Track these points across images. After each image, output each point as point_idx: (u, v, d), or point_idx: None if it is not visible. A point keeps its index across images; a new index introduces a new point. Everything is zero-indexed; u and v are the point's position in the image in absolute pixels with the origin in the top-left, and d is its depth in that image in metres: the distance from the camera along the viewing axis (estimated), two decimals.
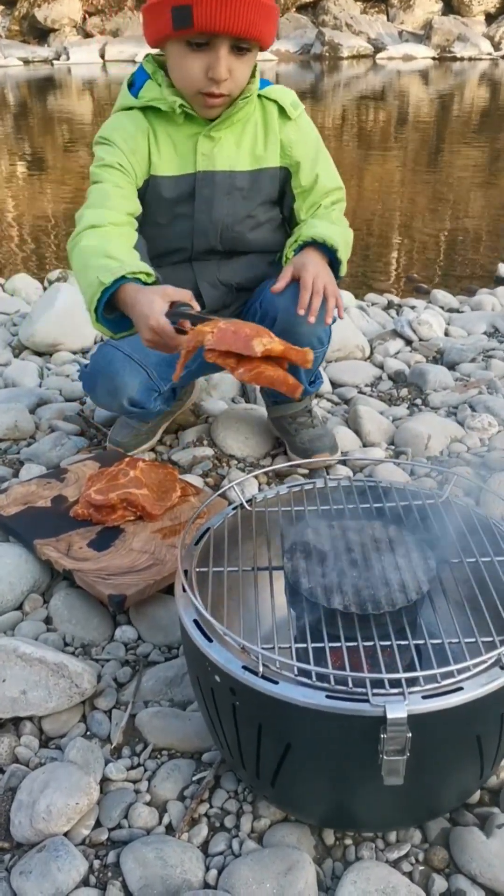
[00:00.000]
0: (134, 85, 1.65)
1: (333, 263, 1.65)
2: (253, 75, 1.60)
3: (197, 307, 1.37)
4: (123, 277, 1.40)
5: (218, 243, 1.73)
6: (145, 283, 1.42)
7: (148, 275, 1.43)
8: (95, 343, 2.66)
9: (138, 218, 1.64)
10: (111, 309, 1.45)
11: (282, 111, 1.68)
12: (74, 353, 2.57)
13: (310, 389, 1.87)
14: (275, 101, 1.68)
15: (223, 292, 1.79)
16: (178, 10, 1.43)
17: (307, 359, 1.29)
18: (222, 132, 1.64)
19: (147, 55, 1.65)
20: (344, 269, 1.69)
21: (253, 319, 1.73)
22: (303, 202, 1.74)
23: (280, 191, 1.75)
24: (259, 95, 1.66)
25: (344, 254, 1.66)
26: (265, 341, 1.19)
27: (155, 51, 1.62)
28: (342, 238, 1.66)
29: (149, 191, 1.66)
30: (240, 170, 1.68)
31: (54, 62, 14.37)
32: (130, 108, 1.63)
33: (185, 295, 1.37)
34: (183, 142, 1.63)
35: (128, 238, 1.56)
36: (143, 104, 1.61)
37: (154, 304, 1.34)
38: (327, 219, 1.71)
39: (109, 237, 1.51)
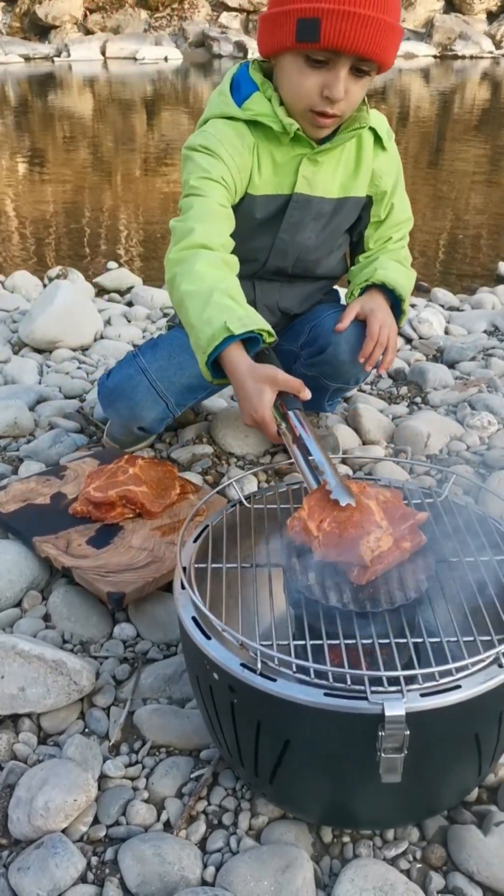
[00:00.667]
0: (237, 92, 1.54)
1: (395, 308, 1.66)
2: (364, 101, 1.53)
3: (306, 396, 1.29)
4: (242, 335, 1.30)
5: (290, 266, 1.71)
6: (264, 341, 1.35)
7: (270, 334, 1.35)
8: (95, 341, 2.66)
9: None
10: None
11: (377, 140, 1.63)
12: (74, 350, 2.57)
13: (327, 409, 1.88)
14: (372, 130, 1.62)
15: (278, 318, 1.79)
16: (304, 22, 1.34)
17: (421, 535, 1.14)
18: (326, 156, 1.57)
19: (253, 61, 1.56)
20: (404, 320, 1.69)
21: (297, 341, 1.73)
22: (374, 231, 1.72)
23: (357, 216, 1.72)
24: None
25: (408, 304, 1.67)
26: (373, 544, 1.05)
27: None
28: (409, 285, 1.66)
29: (241, 207, 1.58)
30: (332, 196, 1.64)
31: (55, 59, 14.35)
32: (232, 118, 1.52)
33: (294, 386, 1.28)
34: (285, 162, 1.56)
35: (236, 272, 1.44)
36: (251, 118, 1.51)
37: (264, 395, 1.28)
38: (396, 258, 1.70)
39: (228, 272, 1.41)
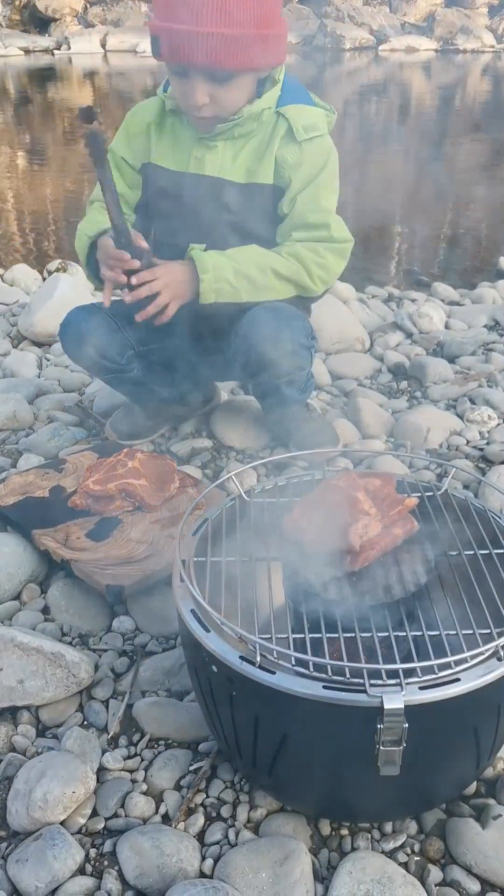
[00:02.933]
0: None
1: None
2: (261, 96, 1.57)
3: (144, 245, 1.57)
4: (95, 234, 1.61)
5: (201, 240, 1.69)
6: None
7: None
8: None
9: (140, 203, 1.75)
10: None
11: (290, 131, 1.62)
12: None
13: (301, 398, 1.87)
14: (287, 120, 1.61)
15: None
16: (153, 38, 1.47)
17: (412, 521, 1.16)
18: (218, 142, 1.63)
19: None
20: (205, 296, 1.61)
21: (230, 346, 1.72)
22: (284, 224, 1.67)
23: (272, 208, 1.69)
24: (279, 112, 1.61)
25: (206, 282, 1.59)
26: (361, 530, 1.08)
27: None
28: (228, 269, 1.60)
29: (148, 176, 1.72)
30: (231, 179, 1.65)
31: (55, 52, 14.30)
32: (156, 95, 1.68)
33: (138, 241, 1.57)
34: (184, 140, 1.67)
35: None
36: (164, 97, 1.66)
37: (107, 237, 1.58)
38: (258, 250, 1.65)
39: (97, 212, 1.69)
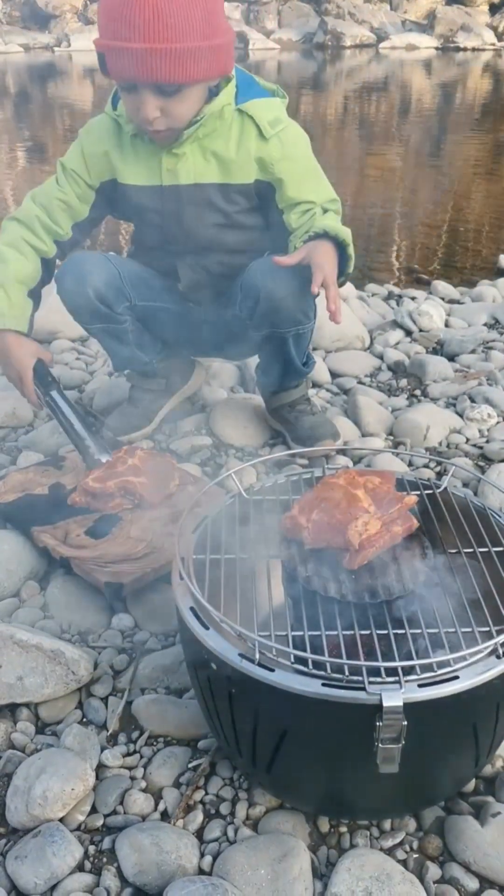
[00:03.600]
0: (117, 93, 1.65)
1: (341, 260, 1.60)
2: (219, 94, 1.57)
3: (50, 363, 1.71)
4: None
5: (191, 246, 1.75)
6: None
7: (22, 331, 1.68)
8: None
9: (87, 222, 1.75)
10: None
11: (259, 130, 1.63)
12: (73, 341, 2.56)
13: (304, 370, 1.86)
14: (252, 118, 1.63)
15: (200, 275, 1.81)
16: (99, 55, 1.46)
17: (412, 519, 1.17)
18: (185, 148, 1.63)
19: None
20: (352, 265, 1.64)
21: (235, 304, 1.75)
22: (290, 214, 1.68)
23: (262, 200, 1.72)
24: (240, 109, 1.62)
25: (352, 248, 1.62)
26: (360, 528, 1.08)
27: None
28: (349, 234, 1.62)
29: (118, 193, 1.72)
30: (208, 181, 1.67)
31: (55, 49, 14.27)
32: (107, 114, 1.68)
33: (46, 356, 1.69)
34: (150, 155, 1.66)
35: (30, 260, 1.70)
36: (115, 116, 1.66)
37: (24, 359, 1.67)
38: (332, 219, 1.68)
39: (9, 268, 1.67)
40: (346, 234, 1.59)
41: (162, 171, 1.66)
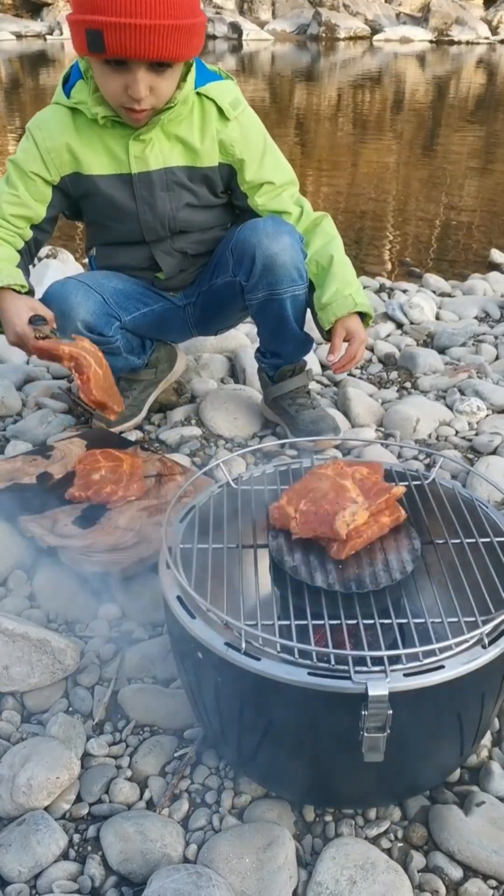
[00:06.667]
0: (69, 80, 1.64)
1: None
2: (185, 79, 1.59)
3: (52, 324, 1.58)
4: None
5: (167, 232, 1.75)
6: (18, 292, 1.59)
7: (22, 286, 1.59)
8: None
9: (46, 222, 1.71)
10: None
11: (220, 112, 1.66)
12: None
13: (303, 336, 1.86)
14: (213, 101, 1.65)
15: (179, 259, 1.82)
16: (91, 33, 1.43)
17: (400, 509, 1.17)
18: (152, 133, 1.63)
19: None
20: (370, 321, 1.75)
21: (227, 269, 1.76)
22: (254, 195, 1.73)
23: (225, 184, 1.75)
24: (198, 93, 1.64)
25: (372, 318, 1.75)
26: (348, 518, 1.08)
27: None
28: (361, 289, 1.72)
29: (82, 187, 1.68)
30: (175, 165, 1.68)
31: (47, 37, 14.18)
32: (59, 104, 1.64)
33: (49, 313, 1.58)
34: (114, 143, 1.64)
35: (10, 243, 1.66)
36: (71, 105, 1.62)
37: (21, 314, 1.54)
38: (343, 258, 1.72)
39: None
40: (371, 307, 1.71)
41: (130, 158, 1.64)
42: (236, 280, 1.75)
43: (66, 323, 1.74)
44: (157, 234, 1.75)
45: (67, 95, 1.63)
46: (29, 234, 1.70)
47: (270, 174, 1.72)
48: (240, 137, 1.69)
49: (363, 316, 1.71)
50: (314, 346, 1.93)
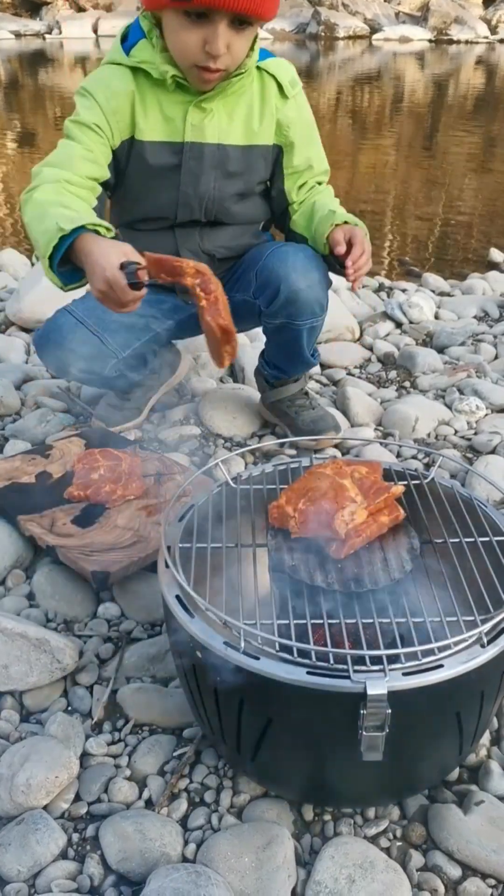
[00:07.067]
0: (127, 39, 1.57)
1: None
2: (252, 48, 1.54)
3: (146, 275, 1.34)
4: (83, 227, 1.34)
5: (202, 215, 1.70)
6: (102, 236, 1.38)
7: (107, 229, 1.39)
8: None
9: (109, 182, 1.61)
10: (63, 262, 1.39)
11: (280, 89, 1.63)
12: None
13: (312, 362, 1.86)
14: (273, 77, 1.62)
15: (205, 261, 1.75)
16: None
17: (399, 509, 1.17)
18: (214, 104, 1.58)
19: (145, 9, 1.55)
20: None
21: (248, 289, 1.72)
22: (293, 183, 1.71)
23: (271, 167, 1.71)
24: (258, 68, 1.60)
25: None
26: (347, 517, 1.08)
27: None
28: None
29: (132, 154, 1.61)
30: (231, 143, 1.63)
31: (46, 36, 14.17)
32: (118, 64, 1.56)
33: (139, 257, 1.33)
34: (172, 108, 1.57)
35: (85, 199, 1.51)
36: (134, 64, 1.54)
37: (110, 256, 1.30)
38: (332, 201, 1.69)
39: (65, 193, 1.48)
40: (361, 224, 1.64)
41: (186, 126, 1.57)
42: (255, 302, 1.72)
43: (62, 367, 1.72)
44: (191, 215, 1.68)
45: (127, 55, 1.55)
46: (95, 201, 1.56)
47: (315, 161, 1.69)
48: (296, 118, 1.65)
49: None
50: (319, 357, 1.91)
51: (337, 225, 1.60)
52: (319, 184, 1.74)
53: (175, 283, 1.31)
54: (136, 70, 1.55)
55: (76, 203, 1.45)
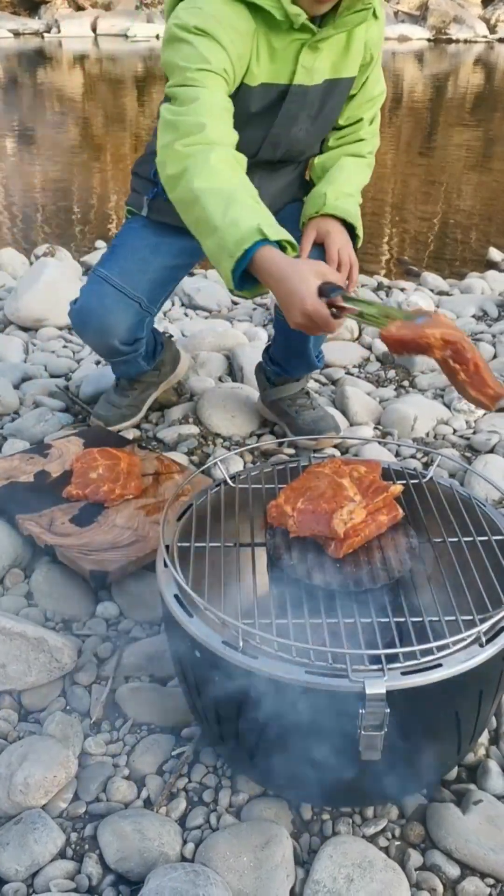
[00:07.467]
0: None
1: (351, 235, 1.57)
2: None
3: (350, 290, 1.20)
4: (267, 239, 1.18)
5: (278, 157, 1.58)
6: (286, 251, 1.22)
7: (293, 247, 1.24)
8: None
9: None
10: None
11: (374, 10, 1.45)
12: (60, 329, 2.54)
13: (318, 364, 1.85)
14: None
15: None
16: None
17: (397, 508, 1.15)
18: (328, 42, 1.41)
19: None
20: (360, 244, 1.59)
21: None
22: (345, 107, 1.59)
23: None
24: None
25: (361, 230, 1.58)
26: (345, 517, 1.07)
27: None
28: (356, 209, 1.57)
29: (236, 99, 1.40)
30: (327, 79, 1.49)
31: (45, 35, 14.15)
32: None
33: (339, 278, 1.19)
34: (284, 48, 1.39)
35: (252, 187, 1.29)
36: (253, 0, 1.33)
37: (309, 282, 1.15)
38: (354, 170, 1.60)
39: (242, 170, 1.29)
40: (352, 214, 1.54)
41: (298, 68, 1.41)
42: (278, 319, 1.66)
43: (104, 339, 1.68)
44: (271, 155, 1.55)
45: None
46: None
47: (370, 81, 1.57)
48: (378, 37, 1.52)
49: (351, 232, 1.55)
50: (323, 359, 1.91)
51: (321, 215, 1.51)
52: (372, 120, 1.63)
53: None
54: (255, 7, 1.34)
55: (253, 190, 1.27)
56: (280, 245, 1.20)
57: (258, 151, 1.53)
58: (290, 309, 1.18)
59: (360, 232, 1.59)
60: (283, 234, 1.20)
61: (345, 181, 1.59)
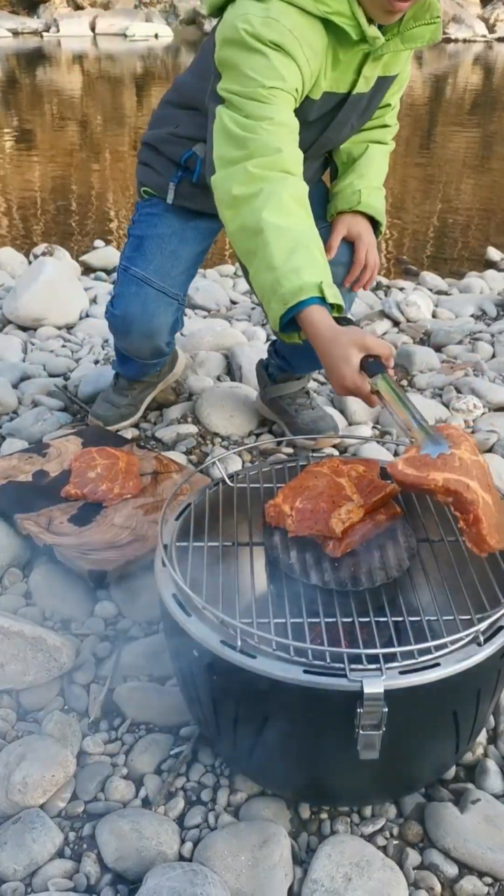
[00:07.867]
0: None
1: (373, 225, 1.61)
2: None
3: (391, 361, 1.18)
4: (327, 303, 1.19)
5: (320, 155, 1.60)
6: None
7: (340, 309, 1.23)
8: (81, 319, 2.63)
9: None
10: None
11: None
12: (59, 328, 2.54)
13: (321, 366, 1.84)
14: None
15: None
16: None
17: (395, 507, 1.15)
18: (389, 46, 1.38)
19: None
20: (380, 236, 1.63)
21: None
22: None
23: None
24: None
25: (384, 226, 1.64)
26: (343, 516, 1.07)
27: None
28: (382, 203, 1.62)
29: (297, 110, 1.35)
30: (383, 74, 1.47)
31: (44, 34, 14.14)
32: (304, 11, 1.27)
33: (384, 351, 1.16)
34: (347, 60, 1.36)
35: (315, 228, 1.28)
36: (325, 15, 1.28)
37: (351, 357, 1.15)
38: (381, 161, 1.62)
39: (310, 216, 1.26)
40: (382, 213, 1.58)
41: (360, 78, 1.39)
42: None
43: (147, 344, 1.67)
44: (315, 155, 1.54)
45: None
46: None
47: (408, 63, 1.55)
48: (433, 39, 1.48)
49: (375, 226, 1.60)
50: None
51: (353, 211, 1.54)
52: (394, 125, 1.66)
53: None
54: (326, 21, 1.29)
55: (319, 241, 1.25)
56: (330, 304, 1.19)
57: (308, 152, 1.46)
58: (332, 382, 1.20)
59: (383, 228, 1.64)
60: (339, 299, 1.20)
61: (374, 175, 1.62)
